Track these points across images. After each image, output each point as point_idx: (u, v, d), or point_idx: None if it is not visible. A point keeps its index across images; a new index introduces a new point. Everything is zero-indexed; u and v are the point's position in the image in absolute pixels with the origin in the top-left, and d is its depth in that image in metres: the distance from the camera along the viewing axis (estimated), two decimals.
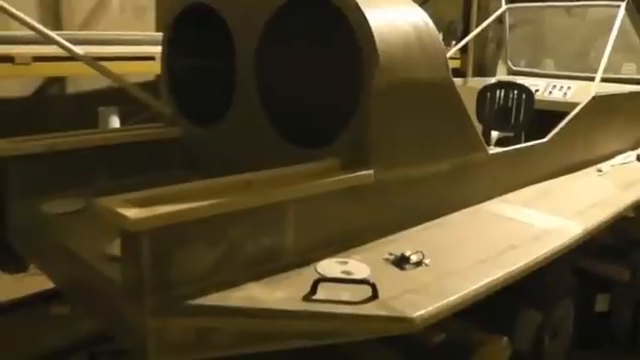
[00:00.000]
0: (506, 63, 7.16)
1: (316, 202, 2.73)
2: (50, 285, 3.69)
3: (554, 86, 6.15)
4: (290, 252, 2.68)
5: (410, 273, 2.68)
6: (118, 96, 5.51)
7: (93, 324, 3.80)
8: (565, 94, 5.96)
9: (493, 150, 3.87)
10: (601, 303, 4.61)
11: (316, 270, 2.61)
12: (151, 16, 7.18)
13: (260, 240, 2.57)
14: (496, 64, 8.83)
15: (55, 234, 3.04)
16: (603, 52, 5.25)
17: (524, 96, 5.52)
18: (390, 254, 2.80)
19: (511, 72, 7.08)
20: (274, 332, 2.38)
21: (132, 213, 2.23)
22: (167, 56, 4.06)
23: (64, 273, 3.07)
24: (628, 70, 6.25)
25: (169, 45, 4.04)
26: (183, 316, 2.31)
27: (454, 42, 7.96)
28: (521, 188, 4.03)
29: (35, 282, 4.56)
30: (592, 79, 5.16)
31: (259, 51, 3.48)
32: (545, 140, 4.29)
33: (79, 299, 3.15)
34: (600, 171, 4.78)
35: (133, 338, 2.40)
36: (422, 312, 2.36)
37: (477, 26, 7.54)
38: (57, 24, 6.40)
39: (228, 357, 2.43)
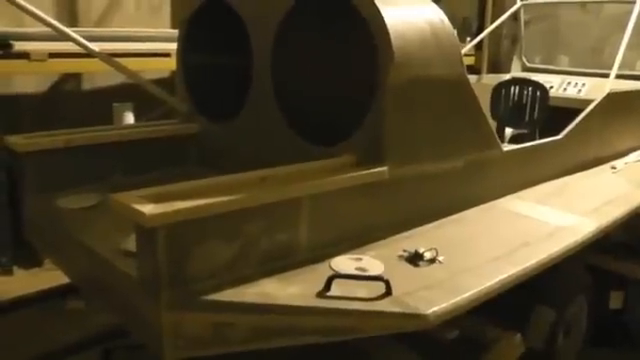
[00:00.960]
0: (521, 60, 7.13)
1: (330, 198, 2.74)
2: (65, 280, 3.72)
3: (569, 83, 6.10)
4: (304, 248, 2.69)
5: (424, 270, 2.69)
6: (132, 92, 5.54)
7: (108, 319, 3.84)
8: (580, 91, 5.91)
9: (507, 147, 3.86)
10: (615, 301, 4.60)
11: (330, 266, 2.62)
12: (166, 13, 7.20)
13: (274, 236, 2.58)
14: (511, 61, 8.76)
15: (70, 229, 3.06)
16: (618, 49, 5.23)
17: (538, 93, 5.49)
18: (404, 251, 2.81)
19: (525, 69, 7.04)
20: (288, 328, 2.39)
21: (148, 209, 2.24)
22: (183, 52, 4.07)
23: (79, 268, 3.09)
24: None
25: (185, 41, 4.05)
26: (198, 311, 2.33)
27: (469, 39, 7.93)
28: (535, 185, 4.03)
29: (50, 277, 4.59)
30: (607, 76, 5.13)
31: (275, 48, 3.48)
32: (559, 137, 4.27)
33: (94, 294, 3.17)
34: (614, 168, 4.76)
35: (149, 333, 2.42)
36: (436, 309, 2.36)
37: (492, 23, 7.51)
38: (73, 21, 6.42)
39: (244, 352, 2.45)
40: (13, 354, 3.97)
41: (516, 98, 5.63)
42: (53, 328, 4.38)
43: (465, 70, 3.27)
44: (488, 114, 4.93)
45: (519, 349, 3.26)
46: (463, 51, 4.16)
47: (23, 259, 5.42)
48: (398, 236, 3.01)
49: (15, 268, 5.51)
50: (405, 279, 2.54)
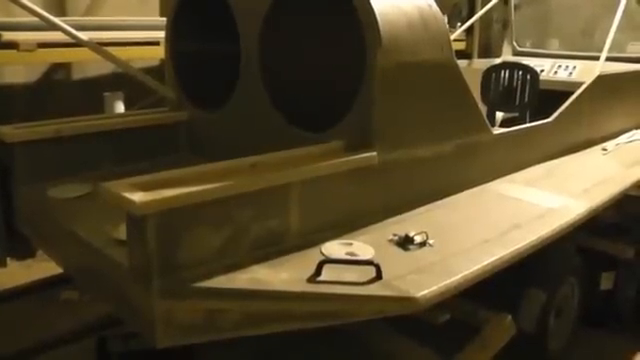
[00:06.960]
0: (511, 44, 7.13)
1: (320, 184, 2.75)
2: (58, 271, 3.72)
3: (559, 66, 6.11)
4: (294, 234, 2.70)
5: (414, 254, 2.70)
6: (123, 81, 5.52)
7: (102, 308, 3.84)
8: (570, 74, 5.92)
9: (497, 130, 3.87)
10: (606, 281, 4.62)
11: (321, 252, 2.63)
12: (155, 1, 7.16)
13: (265, 222, 2.59)
14: (502, 45, 8.78)
15: (62, 219, 3.05)
16: (608, 31, 5.23)
17: (529, 76, 5.50)
18: (394, 235, 2.82)
19: (516, 53, 7.04)
20: (279, 313, 2.40)
21: (138, 197, 2.25)
22: (171, 40, 4.06)
23: (71, 258, 3.09)
24: (633, 49, 6.22)
25: (173, 29, 4.04)
26: (190, 298, 2.33)
27: (459, 24, 7.91)
28: (526, 168, 4.04)
29: (43, 268, 4.59)
30: (597, 58, 5.14)
31: (263, 34, 3.48)
32: (550, 120, 4.29)
33: (87, 283, 3.17)
34: (605, 150, 4.78)
35: (141, 321, 2.42)
36: (426, 292, 2.37)
37: (482, 7, 7.50)
38: (61, 10, 6.39)
39: (242, 338, 2.46)
40: (7, 344, 3.97)
41: (506, 82, 5.64)
42: (48, 318, 4.39)
43: (453, 54, 3.27)
44: (479, 98, 4.93)
45: (510, 331, 3.28)
46: (453, 36, 4.15)
47: (16, 250, 5.42)
48: (388, 220, 3.02)
49: (8, 259, 5.50)
50: (395, 263, 2.56)
